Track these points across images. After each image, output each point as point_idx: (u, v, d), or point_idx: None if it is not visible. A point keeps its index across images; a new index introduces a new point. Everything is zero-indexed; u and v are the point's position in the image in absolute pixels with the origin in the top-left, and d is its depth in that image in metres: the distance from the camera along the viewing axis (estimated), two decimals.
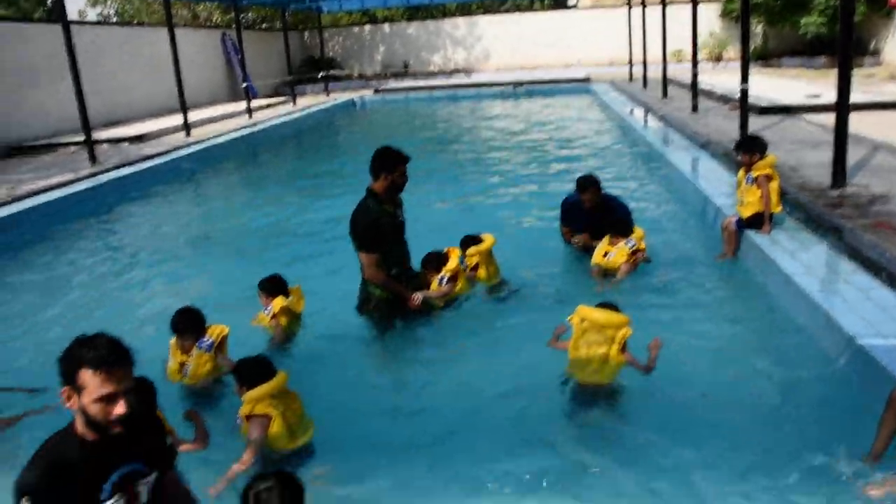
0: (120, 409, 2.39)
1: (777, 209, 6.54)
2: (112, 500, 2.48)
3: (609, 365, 4.37)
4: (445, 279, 5.82)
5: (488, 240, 6.21)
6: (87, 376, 2.37)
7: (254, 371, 4.02)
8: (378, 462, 3.95)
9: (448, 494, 3.68)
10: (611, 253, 6.39)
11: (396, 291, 5.51)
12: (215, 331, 4.89)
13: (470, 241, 6.21)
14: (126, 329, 5.56)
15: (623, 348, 4.36)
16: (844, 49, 7.12)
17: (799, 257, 5.84)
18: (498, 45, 34.05)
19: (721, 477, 3.61)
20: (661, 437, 3.98)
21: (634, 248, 6.35)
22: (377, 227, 5.29)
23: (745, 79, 10.75)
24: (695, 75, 15.23)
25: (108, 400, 2.38)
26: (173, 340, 4.91)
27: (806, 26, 25.23)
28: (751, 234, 6.47)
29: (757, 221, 6.50)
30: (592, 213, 6.74)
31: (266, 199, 11.79)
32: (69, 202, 10.81)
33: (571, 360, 4.51)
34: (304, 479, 2.85)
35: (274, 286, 5.60)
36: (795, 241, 6.29)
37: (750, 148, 6.49)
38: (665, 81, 18.93)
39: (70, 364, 2.41)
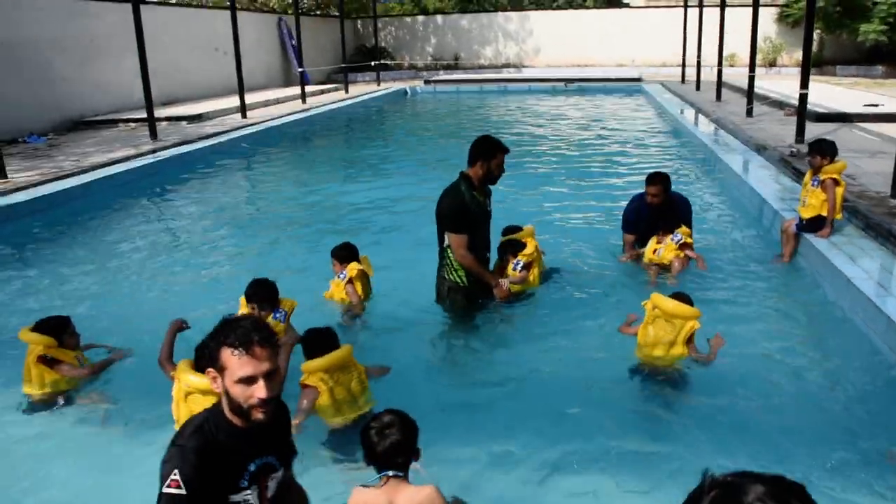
0: (260, 391, 2.33)
1: (838, 216, 6.57)
2: (249, 491, 2.44)
3: (673, 353, 4.53)
4: (521, 264, 5.98)
5: (528, 229, 6.31)
6: (227, 356, 2.34)
7: (316, 343, 4.18)
8: (439, 436, 4.03)
9: (508, 466, 3.80)
10: (659, 249, 6.48)
11: (482, 276, 5.56)
12: (286, 303, 5.05)
13: (511, 231, 6.31)
14: (181, 304, 5.82)
15: (689, 340, 4.50)
16: None
17: (859, 262, 5.87)
18: (549, 41, 33.99)
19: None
20: (711, 424, 4.08)
21: (681, 241, 6.37)
22: (465, 210, 5.33)
23: (804, 84, 10.71)
24: (751, 78, 15.12)
25: (248, 382, 2.33)
26: (243, 311, 4.95)
27: (865, 34, 24.84)
28: (810, 238, 6.50)
29: (816, 224, 6.53)
30: (656, 210, 6.55)
31: (318, 182, 12.00)
32: (132, 176, 11.18)
33: (639, 342, 4.72)
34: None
35: (347, 253, 5.84)
36: (855, 246, 6.31)
37: (821, 150, 6.52)
38: (720, 84, 18.80)
39: (213, 344, 2.39)
